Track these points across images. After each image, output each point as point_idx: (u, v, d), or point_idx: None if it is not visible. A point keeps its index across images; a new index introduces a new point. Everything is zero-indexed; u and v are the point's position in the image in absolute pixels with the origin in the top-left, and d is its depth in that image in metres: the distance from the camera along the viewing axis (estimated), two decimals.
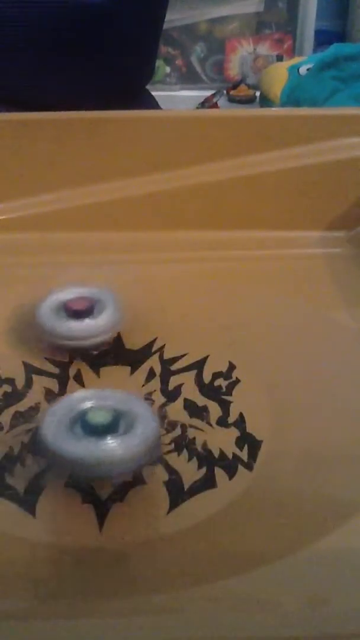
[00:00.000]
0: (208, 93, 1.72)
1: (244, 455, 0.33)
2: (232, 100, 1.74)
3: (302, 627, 0.26)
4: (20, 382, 0.38)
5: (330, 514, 0.30)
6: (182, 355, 0.39)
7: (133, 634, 0.26)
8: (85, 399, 0.32)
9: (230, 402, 0.36)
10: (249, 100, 1.72)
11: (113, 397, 0.32)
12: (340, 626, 0.26)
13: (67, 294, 0.40)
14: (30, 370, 0.38)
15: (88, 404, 0.31)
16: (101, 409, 0.31)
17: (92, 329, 0.39)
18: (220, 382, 0.38)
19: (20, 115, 0.51)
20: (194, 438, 0.34)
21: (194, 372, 0.38)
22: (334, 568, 0.28)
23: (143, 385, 0.37)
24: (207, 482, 0.31)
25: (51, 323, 0.39)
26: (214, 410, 0.36)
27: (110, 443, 0.29)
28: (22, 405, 0.36)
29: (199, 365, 0.39)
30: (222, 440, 0.34)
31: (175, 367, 0.39)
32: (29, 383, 0.38)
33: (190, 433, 0.34)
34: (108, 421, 0.30)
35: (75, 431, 0.30)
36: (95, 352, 0.39)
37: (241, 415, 0.35)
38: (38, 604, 0.27)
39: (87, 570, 0.28)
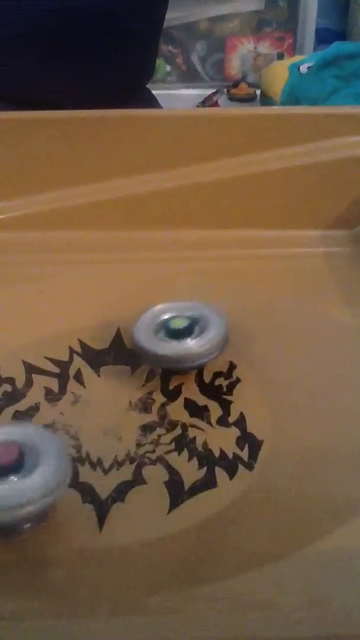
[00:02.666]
0: (208, 92, 1.72)
1: (244, 455, 0.33)
2: (232, 98, 1.73)
3: (301, 627, 0.26)
4: (20, 382, 0.38)
5: (331, 514, 0.30)
6: None
7: (133, 633, 0.26)
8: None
9: (230, 402, 0.36)
10: (249, 99, 1.72)
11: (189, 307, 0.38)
12: (340, 626, 0.26)
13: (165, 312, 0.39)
14: (30, 369, 0.38)
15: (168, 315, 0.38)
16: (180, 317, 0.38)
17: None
18: (221, 381, 0.37)
19: (20, 114, 0.51)
20: (195, 438, 0.34)
21: (194, 372, 0.38)
22: (333, 568, 0.28)
23: (143, 385, 0.37)
24: (208, 482, 0.31)
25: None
26: (215, 409, 0.36)
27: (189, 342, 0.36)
28: (22, 405, 0.36)
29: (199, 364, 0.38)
30: (223, 440, 0.34)
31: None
32: (29, 382, 0.38)
33: (191, 433, 0.34)
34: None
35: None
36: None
37: (242, 414, 0.35)
38: (37, 604, 0.27)
39: (88, 570, 0.28)
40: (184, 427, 0.34)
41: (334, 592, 0.27)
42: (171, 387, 0.37)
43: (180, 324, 0.37)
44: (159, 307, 0.39)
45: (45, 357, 0.39)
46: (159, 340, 0.37)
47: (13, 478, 0.28)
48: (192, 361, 0.37)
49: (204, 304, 0.39)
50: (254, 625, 0.26)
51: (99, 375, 0.38)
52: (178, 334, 0.37)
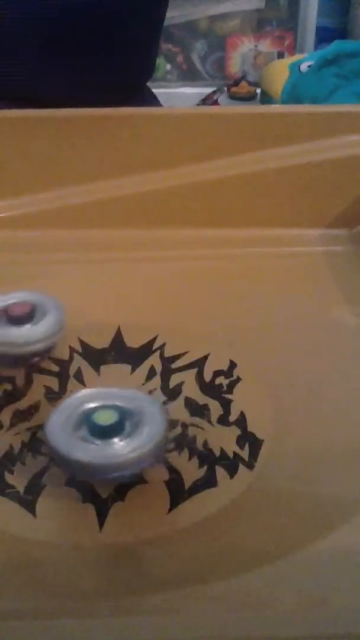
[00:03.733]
0: (209, 90, 1.72)
1: (244, 454, 0.33)
2: (232, 97, 1.73)
3: (301, 627, 0.26)
4: (20, 380, 0.38)
5: (331, 514, 0.30)
6: (183, 354, 0.39)
7: (133, 633, 0.26)
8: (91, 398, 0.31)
9: (231, 401, 0.36)
10: (249, 98, 1.72)
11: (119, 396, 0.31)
12: (339, 626, 0.26)
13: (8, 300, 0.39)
14: (30, 368, 0.38)
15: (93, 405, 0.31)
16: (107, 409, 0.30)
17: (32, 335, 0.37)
18: (221, 380, 0.37)
19: (20, 112, 0.51)
20: (195, 437, 0.34)
21: (194, 371, 0.38)
22: (334, 568, 0.28)
23: (143, 384, 0.37)
24: (208, 481, 0.31)
25: None
26: (215, 408, 0.36)
27: (118, 444, 0.29)
28: (22, 404, 0.36)
29: (200, 363, 0.38)
30: (223, 439, 0.34)
31: (175, 365, 0.38)
32: (29, 381, 0.38)
33: (191, 432, 0.34)
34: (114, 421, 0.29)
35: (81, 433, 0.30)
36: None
37: (242, 413, 0.35)
38: (38, 604, 0.27)
39: (88, 570, 0.28)
40: (184, 426, 0.34)
41: (334, 592, 0.27)
42: (172, 385, 0.37)
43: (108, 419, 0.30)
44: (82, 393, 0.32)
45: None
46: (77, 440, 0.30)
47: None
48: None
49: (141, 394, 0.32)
50: (254, 625, 0.26)
51: (99, 374, 0.38)
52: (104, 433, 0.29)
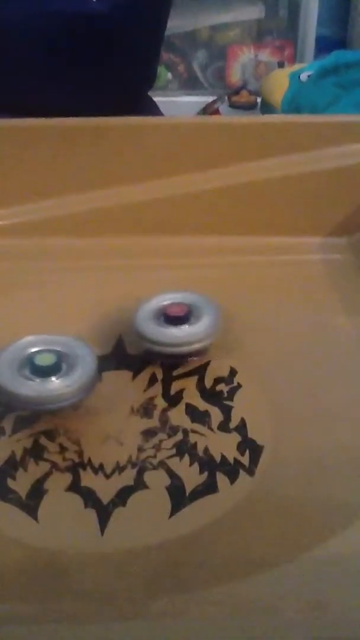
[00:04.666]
0: (209, 99, 1.72)
1: (245, 460, 0.33)
2: (233, 106, 1.74)
3: (302, 631, 0.26)
4: None
5: (331, 519, 0.30)
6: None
7: (135, 637, 0.26)
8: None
9: (231, 407, 0.36)
10: (250, 107, 1.72)
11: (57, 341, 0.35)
12: (340, 631, 0.26)
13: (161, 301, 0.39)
14: None
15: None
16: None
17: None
18: (222, 387, 0.38)
19: (21, 122, 0.51)
20: (196, 443, 0.34)
21: (195, 378, 0.38)
22: (334, 573, 0.28)
23: (145, 390, 0.38)
24: (209, 487, 0.32)
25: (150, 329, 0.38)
26: (216, 415, 0.36)
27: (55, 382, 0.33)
28: (24, 411, 0.36)
29: (201, 370, 0.39)
30: (224, 445, 0.34)
31: (176, 372, 0.39)
32: None
33: (192, 438, 0.34)
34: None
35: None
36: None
37: (243, 420, 0.35)
38: (40, 608, 0.27)
39: (89, 575, 0.28)
40: (185, 433, 0.35)
41: (334, 596, 0.27)
42: (172, 392, 0.37)
43: (47, 360, 0.34)
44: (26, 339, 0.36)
45: None
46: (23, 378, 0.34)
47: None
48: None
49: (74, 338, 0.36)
50: (255, 629, 0.26)
51: (100, 381, 0.38)
52: (44, 372, 0.34)
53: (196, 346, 0.37)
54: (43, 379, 0.33)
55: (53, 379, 0.34)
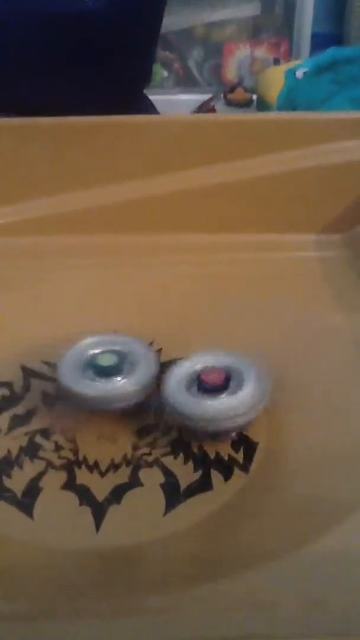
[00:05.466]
0: (205, 97, 1.72)
1: (239, 457, 0.33)
2: (229, 103, 1.73)
3: (298, 627, 0.26)
4: (18, 386, 0.38)
5: (326, 516, 0.31)
6: (179, 359, 0.39)
7: (131, 634, 0.26)
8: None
9: None
10: (246, 104, 1.72)
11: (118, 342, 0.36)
12: (337, 626, 0.26)
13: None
14: (28, 373, 0.39)
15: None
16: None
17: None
18: None
19: (19, 121, 0.51)
20: (190, 441, 0.34)
21: None
22: (330, 569, 0.28)
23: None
24: (203, 484, 0.32)
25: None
26: None
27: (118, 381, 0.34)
28: (20, 409, 0.36)
29: None
30: (218, 443, 0.34)
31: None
32: (27, 386, 0.38)
33: (187, 435, 0.34)
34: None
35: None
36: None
37: None
38: (37, 606, 0.27)
39: (85, 572, 0.29)
40: (180, 430, 0.35)
41: (331, 592, 0.27)
42: None
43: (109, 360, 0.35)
44: (86, 341, 0.36)
45: (42, 362, 0.39)
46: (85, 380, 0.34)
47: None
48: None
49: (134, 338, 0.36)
50: (250, 626, 0.26)
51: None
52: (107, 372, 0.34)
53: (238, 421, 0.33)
54: (107, 379, 0.34)
55: (118, 378, 0.34)
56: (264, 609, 0.27)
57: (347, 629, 0.26)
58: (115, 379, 0.34)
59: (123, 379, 0.34)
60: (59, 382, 0.34)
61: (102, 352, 0.35)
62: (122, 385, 0.34)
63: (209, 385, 0.32)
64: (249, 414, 0.32)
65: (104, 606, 0.27)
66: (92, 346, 0.36)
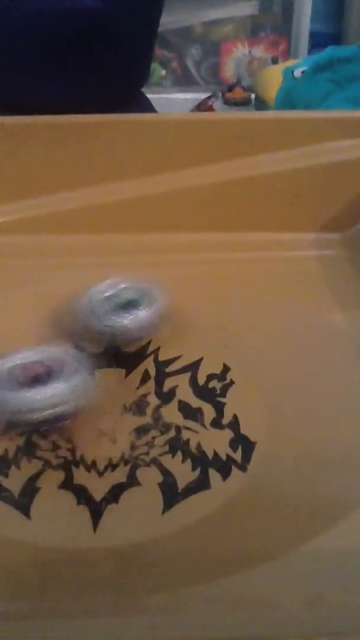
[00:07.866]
0: (203, 95, 1.72)
1: (237, 456, 0.33)
2: (227, 102, 1.73)
3: (297, 626, 0.26)
4: None
5: (324, 514, 0.31)
6: (177, 357, 0.39)
7: (129, 633, 0.26)
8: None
9: (224, 404, 0.36)
10: (244, 103, 1.72)
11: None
12: (335, 625, 0.26)
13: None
14: None
15: None
16: None
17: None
18: (215, 383, 0.38)
19: (15, 119, 0.51)
20: (188, 439, 0.34)
21: (188, 374, 0.38)
22: (328, 567, 0.28)
23: (138, 388, 0.38)
24: (201, 484, 0.32)
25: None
26: (208, 411, 0.36)
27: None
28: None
29: (194, 367, 0.39)
30: (216, 442, 0.34)
31: (169, 369, 0.39)
32: None
33: (185, 435, 0.34)
34: None
35: None
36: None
37: (235, 416, 0.35)
38: (34, 605, 0.27)
39: (83, 571, 0.29)
40: (178, 429, 0.35)
41: (329, 590, 0.27)
42: (165, 389, 0.37)
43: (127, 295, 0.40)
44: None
45: None
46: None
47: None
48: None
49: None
50: (249, 625, 0.26)
51: (93, 378, 0.38)
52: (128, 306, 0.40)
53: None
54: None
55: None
56: (262, 608, 0.27)
57: (346, 628, 0.26)
58: None
59: None
60: None
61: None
62: None
63: (26, 378, 0.34)
64: (70, 403, 0.34)
65: (101, 606, 0.27)
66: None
